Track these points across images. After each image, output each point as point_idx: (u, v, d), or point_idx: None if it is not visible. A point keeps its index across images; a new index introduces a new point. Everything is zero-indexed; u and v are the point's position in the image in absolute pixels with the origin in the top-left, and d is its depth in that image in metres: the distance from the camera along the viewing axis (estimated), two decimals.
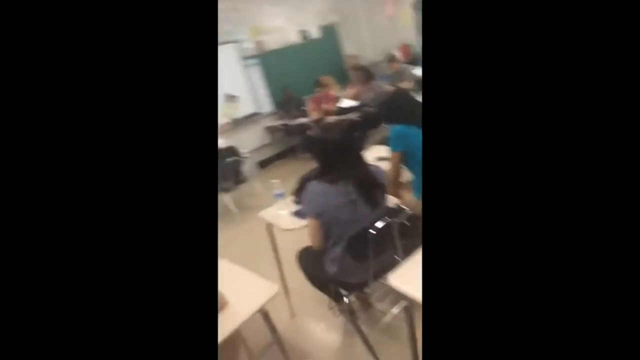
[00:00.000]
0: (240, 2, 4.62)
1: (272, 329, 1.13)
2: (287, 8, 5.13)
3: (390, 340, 1.54)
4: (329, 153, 1.37)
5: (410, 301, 1.00)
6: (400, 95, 1.90)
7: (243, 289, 1.15)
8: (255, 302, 1.07)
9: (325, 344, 1.68)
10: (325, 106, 4.52)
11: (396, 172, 1.75)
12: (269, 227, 1.77)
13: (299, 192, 1.75)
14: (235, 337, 1.29)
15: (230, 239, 3.05)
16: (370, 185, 1.36)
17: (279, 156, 5.21)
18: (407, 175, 1.82)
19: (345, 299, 1.46)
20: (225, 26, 4.55)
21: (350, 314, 1.57)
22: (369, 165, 1.42)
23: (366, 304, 1.78)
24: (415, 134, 1.61)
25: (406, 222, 1.42)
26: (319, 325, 1.80)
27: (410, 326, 1.09)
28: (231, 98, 3.69)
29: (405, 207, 1.50)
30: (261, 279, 1.18)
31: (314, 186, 1.36)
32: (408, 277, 1.00)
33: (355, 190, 1.32)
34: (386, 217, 1.34)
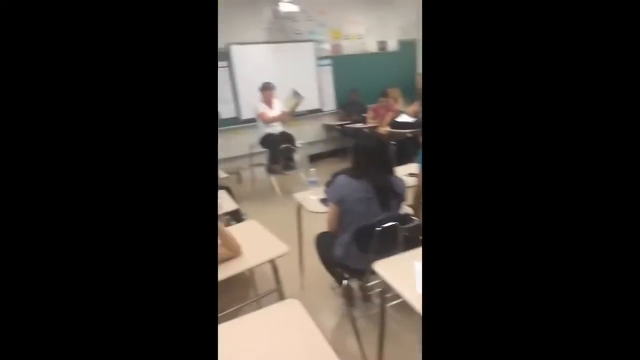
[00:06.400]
0: (328, 5, 4.99)
1: (277, 280, 1.41)
2: (370, 18, 5.39)
3: (376, 330, 1.73)
4: (361, 155, 1.62)
5: (386, 287, 1.20)
6: None
7: (261, 244, 1.44)
8: (267, 255, 1.36)
9: (320, 319, 1.91)
10: (382, 117, 4.71)
11: (420, 189, 1.93)
12: (299, 208, 2.05)
13: (329, 183, 2.01)
14: (248, 278, 1.60)
15: (267, 215, 3.39)
16: (386, 190, 1.58)
17: (331, 154, 5.50)
18: None
19: (345, 282, 1.69)
20: (309, 26, 4.96)
21: (346, 296, 1.80)
22: (393, 175, 1.64)
23: (366, 295, 1.99)
24: None
25: (406, 230, 1.59)
26: (322, 302, 2.04)
27: (382, 310, 1.29)
28: (296, 95, 4.00)
29: (415, 218, 1.68)
30: (276, 239, 1.46)
31: (341, 178, 1.63)
32: (393, 268, 1.21)
33: (373, 191, 1.55)
34: (396, 222, 1.55)
